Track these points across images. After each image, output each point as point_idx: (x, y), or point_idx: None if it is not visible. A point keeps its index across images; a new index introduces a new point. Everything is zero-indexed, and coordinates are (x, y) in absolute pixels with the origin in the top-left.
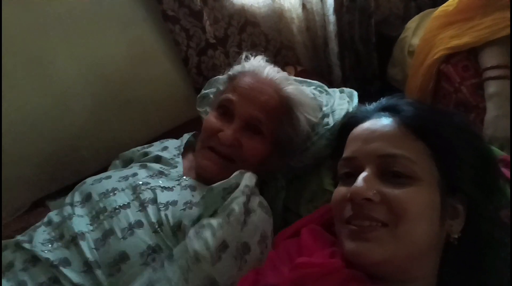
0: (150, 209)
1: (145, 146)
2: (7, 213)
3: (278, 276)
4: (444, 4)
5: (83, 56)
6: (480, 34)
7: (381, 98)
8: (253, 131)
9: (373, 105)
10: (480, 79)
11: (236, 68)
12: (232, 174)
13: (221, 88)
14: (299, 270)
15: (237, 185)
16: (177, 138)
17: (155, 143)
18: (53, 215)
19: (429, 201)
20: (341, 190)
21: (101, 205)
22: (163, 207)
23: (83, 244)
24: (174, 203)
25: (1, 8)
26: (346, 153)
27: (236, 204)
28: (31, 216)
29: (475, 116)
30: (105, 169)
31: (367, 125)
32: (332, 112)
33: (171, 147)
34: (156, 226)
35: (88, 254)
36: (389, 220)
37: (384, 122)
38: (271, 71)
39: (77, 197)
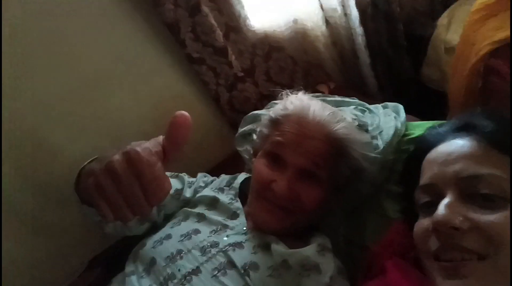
0: (230, 276)
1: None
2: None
3: None
4: None
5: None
6: None
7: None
8: (308, 178)
9: (445, 127)
10: None
11: (278, 110)
12: (292, 223)
13: (265, 131)
14: None
15: (316, 265)
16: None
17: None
18: None
19: None
20: (423, 223)
21: (169, 271)
22: (244, 272)
23: None
24: (255, 267)
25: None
26: (423, 180)
27: None
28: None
29: None
30: None
31: (442, 148)
32: (380, 132)
33: (225, 188)
34: None
35: None
36: (485, 250)
37: (461, 142)
38: (316, 111)
39: (140, 264)
